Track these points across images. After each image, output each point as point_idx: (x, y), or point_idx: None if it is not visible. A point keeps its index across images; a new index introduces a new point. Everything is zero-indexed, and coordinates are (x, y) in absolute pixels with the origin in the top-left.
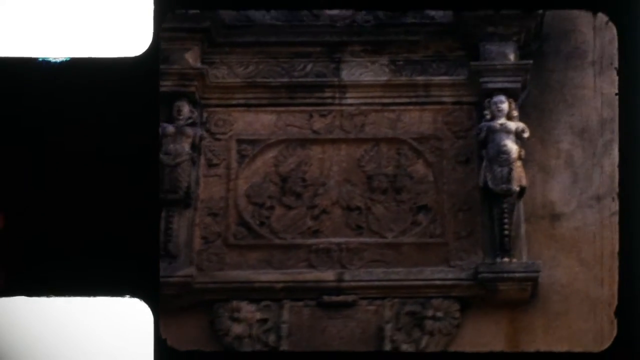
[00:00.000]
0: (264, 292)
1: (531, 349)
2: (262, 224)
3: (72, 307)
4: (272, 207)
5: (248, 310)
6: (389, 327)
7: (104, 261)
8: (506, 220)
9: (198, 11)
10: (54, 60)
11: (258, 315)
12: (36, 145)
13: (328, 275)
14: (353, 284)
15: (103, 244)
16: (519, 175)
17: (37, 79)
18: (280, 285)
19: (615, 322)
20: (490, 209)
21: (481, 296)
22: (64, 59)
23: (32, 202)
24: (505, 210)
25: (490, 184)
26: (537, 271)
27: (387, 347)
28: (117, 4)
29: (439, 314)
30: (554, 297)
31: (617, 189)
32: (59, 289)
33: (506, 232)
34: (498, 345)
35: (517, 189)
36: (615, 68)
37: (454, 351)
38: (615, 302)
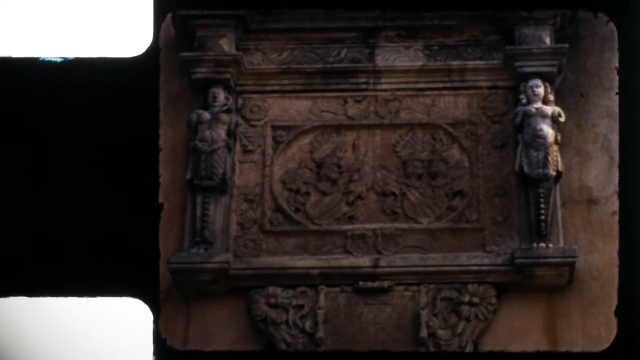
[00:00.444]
0: (300, 278)
1: (568, 334)
2: (297, 210)
3: (72, 307)
4: (307, 193)
5: (284, 296)
6: (425, 313)
7: (103, 261)
8: (542, 205)
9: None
10: (54, 60)
11: (294, 301)
12: (36, 144)
13: (364, 261)
14: (388, 269)
15: (103, 243)
16: (555, 160)
17: (38, 78)
18: (316, 271)
19: (615, 321)
20: (526, 194)
21: (517, 282)
22: (65, 59)
23: (32, 202)
24: (542, 195)
25: (526, 168)
26: (574, 256)
27: (424, 332)
28: (117, 4)
29: (475, 300)
30: (591, 283)
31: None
32: (59, 289)
33: (542, 217)
34: (535, 330)
35: (554, 173)
36: (616, 67)
37: (452, 351)
38: (616, 302)
